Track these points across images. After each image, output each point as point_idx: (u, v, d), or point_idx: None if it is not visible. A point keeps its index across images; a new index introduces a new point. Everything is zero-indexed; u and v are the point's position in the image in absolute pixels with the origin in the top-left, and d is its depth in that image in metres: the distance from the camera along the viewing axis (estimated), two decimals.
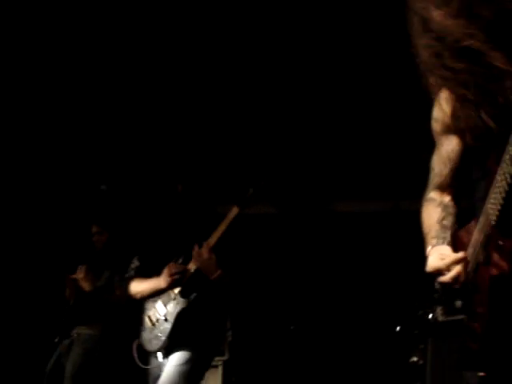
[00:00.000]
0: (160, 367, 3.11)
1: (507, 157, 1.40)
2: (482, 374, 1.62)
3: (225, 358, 4.80)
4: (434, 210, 1.82)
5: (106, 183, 4.71)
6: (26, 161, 5.23)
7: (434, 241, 1.72)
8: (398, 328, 4.48)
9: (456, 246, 1.69)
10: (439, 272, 1.63)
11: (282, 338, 5.71)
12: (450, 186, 1.83)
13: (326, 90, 4.48)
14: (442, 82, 1.70)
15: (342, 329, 5.65)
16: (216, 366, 4.68)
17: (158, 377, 3.06)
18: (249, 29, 3.89)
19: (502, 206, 1.44)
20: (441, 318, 1.71)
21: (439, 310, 1.72)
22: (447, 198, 1.83)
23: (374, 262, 5.60)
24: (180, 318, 3.07)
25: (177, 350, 3.05)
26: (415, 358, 3.93)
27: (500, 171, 1.44)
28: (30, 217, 5.48)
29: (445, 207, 1.81)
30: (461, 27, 1.54)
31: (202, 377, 3.14)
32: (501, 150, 1.45)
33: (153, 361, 3.17)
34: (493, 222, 1.49)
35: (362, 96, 4.53)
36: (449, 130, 1.78)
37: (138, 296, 3.27)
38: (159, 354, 3.12)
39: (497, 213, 1.46)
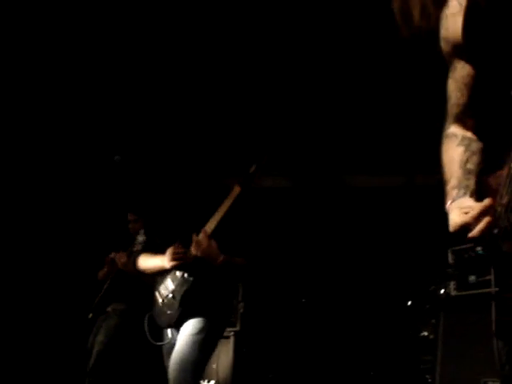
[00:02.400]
0: (171, 341, 3.13)
1: None
2: None
3: (236, 329, 4.84)
4: (456, 150, 1.61)
5: (118, 154, 4.71)
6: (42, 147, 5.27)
7: (454, 192, 1.54)
8: (409, 302, 4.49)
9: (483, 194, 1.49)
10: (466, 227, 1.43)
11: (294, 311, 5.74)
12: (470, 116, 1.63)
13: (340, 67, 4.43)
14: None
15: (353, 303, 5.66)
16: (228, 337, 4.72)
17: (171, 349, 3.08)
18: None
19: None
20: (454, 293, 1.70)
21: (452, 284, 1.71)
22: (469, 133, 1.64)
23: (388, 236, 5.58)
24: (187, 296, 3.05)
25: (188, 321, 3.07)
26: (426, 333, 3.94)
27: None
28: (60, 198, 5.54)
29: (468, 145, 1.61)
30: None
31: (215, 346, 3.15)
32: None
33: (164, 336, 3.20)
34: None
35: (376, 72, 4.47)
36: (461, 49, 1.58)
37: (147, 272, 3.28)
38: (168, 331, 3.15)
39: None
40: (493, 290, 1.44)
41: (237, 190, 3.03)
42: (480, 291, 1.51)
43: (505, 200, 1.40)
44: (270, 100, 4.90)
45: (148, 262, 3.27)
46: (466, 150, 1.60)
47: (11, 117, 4.94)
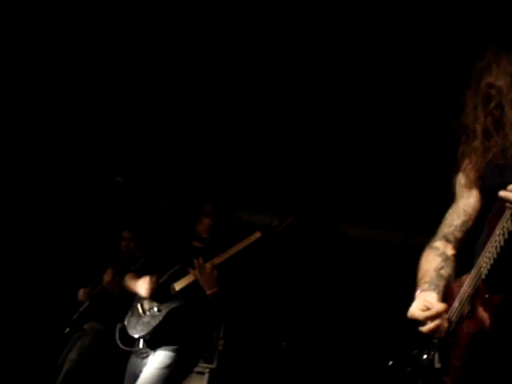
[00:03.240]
0: (136, 365, 3.11)
1: (508, 212, 1.38)
2: None
3: (213, 366, 4.77)
4: (434, 258, 1.80)
5: (121, 175, 4.72)
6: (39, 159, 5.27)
7: (425, 286, 1.71)
8: (390, 362, 4.41)
9: (447, 298, 1.68)
10: (417, 321, 1.64)
11: (273, 354, 5.66)
12: (456, 239, 1.82)
13: (339, 117, 4.45)
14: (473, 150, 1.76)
15: (333, 352, 5.59)
16: (202, 373, 4.64)
17: (133, 375, 3.06)
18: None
19: (495, 261, 1.43)
20: (437, 366, 1.67)
21: (437, 356, 1.67)
22: (451, 252, 1.82)
23: (377, 290, 5.55)
24: (172, 314, 3.12)
25: (158, 353, 3.06)
26: None
27: (499, 226, 1.42)
28: (50, 212, 5.53)
29: (446, 259, 1.79)
30: None
31: (180, 382, 3.14)
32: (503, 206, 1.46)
33: (134, 346, 3.19)
34: (483, 276, 1.48)
35: (378, 128, 4.49)
36: (472, 185, 1.79)
37: (128, 290, 3.36)
38: (141, 341, 3.14)
39: (489, 267, 1.45)
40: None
41: (257, 235, 3.19)
42: None
43: (467, 292, 1.58)
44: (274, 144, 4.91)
45: (131, 283, 3.35)
46: (443, 261, 1.78)
47: (9, 130, 4.94)
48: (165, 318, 3.12)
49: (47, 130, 5.00)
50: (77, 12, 3.61)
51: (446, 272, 1.75)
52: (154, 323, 3.12)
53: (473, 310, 1.52)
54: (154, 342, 3.13)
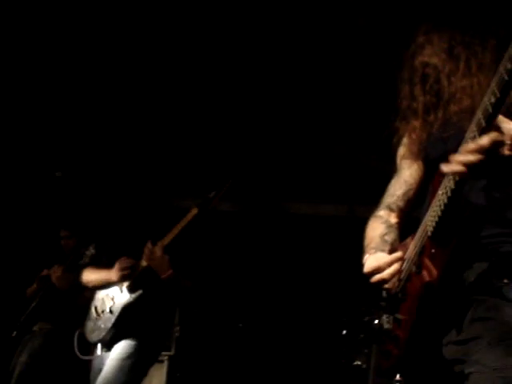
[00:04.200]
0: (101, 360, 3.07)
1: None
2: (399, 377, 1.71)
3: (171, 353, 4.78)
4: (378, 226, 1.88)
5: (60, 169, 4.63)
6: None
7: (372, 251, 1.79)
8: (344, 331, 4.55)
9: None
10: (377, 271, 1.69)
11: (230, 336, 5.72)
12: (400, 208, 1.91)
13: (287, 95, 4.50)
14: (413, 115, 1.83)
15: (289, 329, 5.69)
16: (162, 361, 4.65)
17: (99, 370, 3.02)
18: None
19: (439, 218, 1.51)
20: (386, 326, 1.74)
21: (385, 317, 1.75)
22: (394, 220, 1.91)
23: (325, 264, 5.66)
24: (125, 312, 3.05)
25: (119, 343, 3.02)
26: (359, 362, 4.01)
27: (442, 185, 1.51)
28: None
29: (389, 225, 1.88)
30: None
31: (145, 372, 3.11)
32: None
33: (94, 352, 3.14)
34: (429, 234, 1.57)
35: (318, 103, 4.56)
36: (412, 155, 1.88)
37: (90, 285, 3.25)
38: (99, 346, 3.10)
39: (434, 225, 1.54)
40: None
41: (194, 211, 3.12)
42: None
43: (414, 251, 1.67)
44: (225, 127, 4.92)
45: (93, 275, 3.26)
46: (387, 228, 1.87)
47: None
48: (118, 318, 3.04)
49: None
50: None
51: (390, 237, 1.83)
52: (108, 325, 3.04)
53: (420, 266, 1.61)
54: (112, 343, 3.07)
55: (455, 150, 1.44)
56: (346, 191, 5.56)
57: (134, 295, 3.08)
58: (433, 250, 1.56)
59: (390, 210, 1.91)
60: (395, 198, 1.91)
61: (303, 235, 5.86)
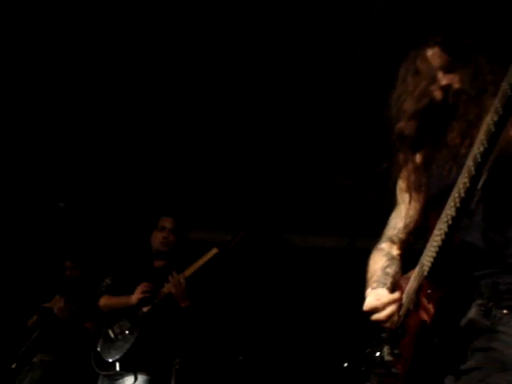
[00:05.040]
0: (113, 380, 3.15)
1: (443, 215, 1.49)
2: None
3: None
4: (380, 258, 1.91)
5: (63, 200, 4.67)
6: None
7: (374, 284, 1.81)
8: (345, 364, 4.52)
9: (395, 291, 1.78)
10: (375, 311, 1.71)
11: (230, 369, 5.67)
12: (401, 240, 1.93)
13: (290, 127, 4.55)
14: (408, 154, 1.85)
15: (290, 362, 5.65)
16: None
17: None
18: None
19: (434, 259, 1.53)
20: (387, 358, 1.75)
21: (386, 349, 1.76)
22: (396, 252, 1.93)
23: (326, 296, 5.65)
24: (144, 335, 3.16)
25: (132, 377, 3.09)
26: None
27: (437, 227, 1.53)
28: None
29: (391, 258, 1.90)
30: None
31: None
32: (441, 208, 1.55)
33: (109, 369, 3.20)
34: (425, 273, 1.58)
35: (318, 137, 4.62)
36: (412, 187, 1.89)
37: (106, 309, 3.39)
38: (117, 364, 3.18)
39: (430, 265, 1.55)
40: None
41: (214, 250, 3.44)
42: None
43: (412, 288, 1.68)
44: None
45: (113, 300, 3.45)
46: (388, 260, 1.89)
47: None
48: (137, 338, 3.18)
49: None
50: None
51: (391, 270, 1.85)
52: (127, 345, 3.19)
53: (417, 305, 1.63)
54: (129, 364, 3.17)
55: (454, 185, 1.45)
56: (347, 223, 5.58)
57: (152, 320, 3.26)
58: (429, 291, 1.57)
59: (392, 242, 1.94)
60: (396, 230, 1.94)
61: (304, 267, 5.86)
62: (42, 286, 4.72)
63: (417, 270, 1.67)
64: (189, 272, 3.32)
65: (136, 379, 3.12)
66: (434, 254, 1.53)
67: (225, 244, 3.48)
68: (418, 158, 1.87)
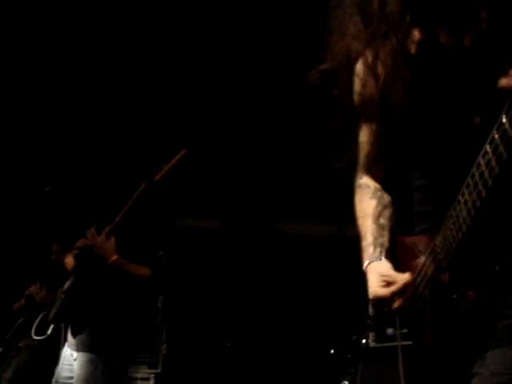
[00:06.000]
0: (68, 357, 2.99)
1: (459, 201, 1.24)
2: None
3: (158, 370, 4.74)
4: (370, 203, 1.66)
5: (50, 184, 4.62)
6: None
7: (370, 250, 1.57)
8: (332, 351, 4.54)
9: (399, 254, 1.56)
10: (384, 302, 1.47)
11: (218, 355, 5.68)
12: (380, 168, 1.68)
13: (277, 114, 4.54)
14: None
15: (277, 348, 5.67)
16: (147, 379, 4.61)
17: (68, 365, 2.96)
18: None
19: (459, 242, 1.28)
20: (372, 344, 1.74)
21: (371, 336, 1.75)
22: (380, 185, 1.68)
23: (314, 284, 5.67)
24: (72, 291, 3.00)
25: (81, 358, 2.91)
26: (346, 382, 3.99)
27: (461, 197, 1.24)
28: None
29: (380, 198, 1.65)
30: None
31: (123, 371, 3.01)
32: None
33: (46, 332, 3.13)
34: (443, 266, 1.35)
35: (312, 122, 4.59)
36: (374, 105, 1.58)
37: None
38: (51, 327, 3.20)
39: (454, 248, 1.30)
40: (399, 343, 1.49)
41: (141, 187, 2.95)
42: (396, 344, 1.55)
43: (429, 271, 1.42)
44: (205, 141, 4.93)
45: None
46: (379, 203, 1.64)
47: None
48: (67, 297, 2.98)
49: None
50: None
51: (385, 218, 1.61)
52: (58, 303, 3.01)
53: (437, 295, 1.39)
54: (63, 320, 3.03)
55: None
56: (336, 211, 5.58)
57: (78, 276, 3.02)
58: (454, 296, 1.31)
59: (372, 173, 1.69)
60: (372, 158, 1.68)
61: (293, 254, 5.87)
62: (28, 270, 4.68)
63: (434, 248, 1.38)
64: (113, 223, 2.90)
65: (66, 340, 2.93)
66: (460, 237, 1.26)
67: (153, 174, 2.96)
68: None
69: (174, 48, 3.90)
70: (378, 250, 1.56)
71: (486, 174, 1.12)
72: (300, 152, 4.98)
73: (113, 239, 2.92)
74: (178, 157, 2.97)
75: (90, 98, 4.47)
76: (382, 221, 1.61)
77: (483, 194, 1.14)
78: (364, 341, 1.77)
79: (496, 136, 1.08)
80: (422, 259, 1.45)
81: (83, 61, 4.07)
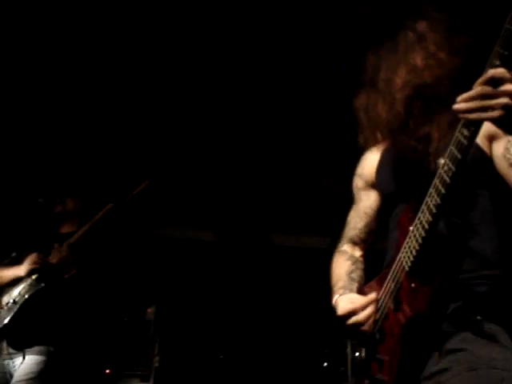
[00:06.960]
0: (5, 365, 2.98)
1: (425, 207, 1.45)
2: None
3: (149, 383, 4.71)
4: (344, 263, 1.87)
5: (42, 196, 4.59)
6: None
7: (341, 291, 1.76)
8: (325, 364, 4.53)
9: None
10: (352, 314, 1.64)
11: (211, 367, 5.65)
12: (363, 240, 1.90)
13: (269, 124, 4.53)
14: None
15: (270, 361, 5.64)
16: None
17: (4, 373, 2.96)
18: None
19: (417, 252, 1.48)
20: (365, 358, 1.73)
21: (364, 350, 1.74)
22: (358, 253, 1.91)
23: (308, 296, 5.65)
24: (27, 303, 3.05)
25: (27, 357, 2.93)
26: None
27: (417, 220, 1.48)
28: None
29: (355, 261, 1.87)
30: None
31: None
32: (415, 203, 1.52)
33: None
34: (407, 268, 1.52)
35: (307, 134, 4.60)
36: (369, 185, 1.87)
37: (1, 282, 3.24)
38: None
39: (412, 259, 1.49)
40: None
41: (108, 206, 3.24)
42: None
43: (391, 287, 1.61)
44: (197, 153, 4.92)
45: (3, 272, 3.24)
46: (353, 264, 1.86)
47: None
48: (22, 305, 3.02)
49: None
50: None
51: (356, 275, 1.82)
52: (9, 315, 3.00)
53: (398, 303, 1.55)
54: (15, 340, 2.99)
55: (408, 187, 1.46)
56: (329, 224, 5.58)
57: (37, 288, 3.09)
58: (413, 285, 1.50)
59: (354, 243, 1.91)
60: (357, 231, 1.90)
61: (286, 266, 5.86)
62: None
63: (394, 268, 1.59)
64: (76, 237, 3.16)
65: (24, 358, 2.91)
66: (416, 247, 1.47)
67: (122, 197, 3.26)
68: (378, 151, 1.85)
69: (164, 58, 3.90)
70: (347, 292, 1.75)
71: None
72: (294, 164, 5.00)
73: (70, 255, 3.13)
74: (142, 185, 3.21)
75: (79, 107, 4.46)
76: (354, 276, 1.83)
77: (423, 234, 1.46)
78: (357, 354, 1.75)
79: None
80: (380, 291, 1.65)
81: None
